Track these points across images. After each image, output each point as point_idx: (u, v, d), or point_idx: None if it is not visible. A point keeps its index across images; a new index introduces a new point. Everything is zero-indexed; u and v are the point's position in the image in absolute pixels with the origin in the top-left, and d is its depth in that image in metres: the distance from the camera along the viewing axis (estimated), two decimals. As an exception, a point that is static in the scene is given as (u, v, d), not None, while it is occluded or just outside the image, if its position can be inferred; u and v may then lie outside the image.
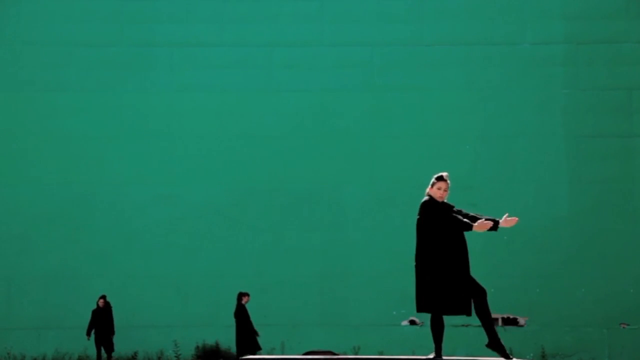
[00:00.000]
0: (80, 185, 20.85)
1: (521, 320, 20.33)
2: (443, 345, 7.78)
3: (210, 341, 20.11)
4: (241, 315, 17.34)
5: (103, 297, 18.92)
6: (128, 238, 20.62)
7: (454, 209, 7.76)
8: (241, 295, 17.59)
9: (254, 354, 16.89)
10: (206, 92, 21.21)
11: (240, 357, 13.34)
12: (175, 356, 19.60)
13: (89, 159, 20.99)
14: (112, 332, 18.79)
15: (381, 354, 19.00)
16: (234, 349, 19.89)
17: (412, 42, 21.22)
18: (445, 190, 7.78)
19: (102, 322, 18.66)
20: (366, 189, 20.82)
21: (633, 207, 20.62)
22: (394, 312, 20.31)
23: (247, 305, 17.53)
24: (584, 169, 20.73)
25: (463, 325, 18.76)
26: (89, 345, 19.04)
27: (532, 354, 19.73)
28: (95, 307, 18.91)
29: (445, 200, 7.85)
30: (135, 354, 19.78)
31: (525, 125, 20.91)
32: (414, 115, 20.99)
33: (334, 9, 21.41)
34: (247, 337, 17.20)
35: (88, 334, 18.70)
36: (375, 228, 20.58)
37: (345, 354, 19.33)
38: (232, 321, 17.34)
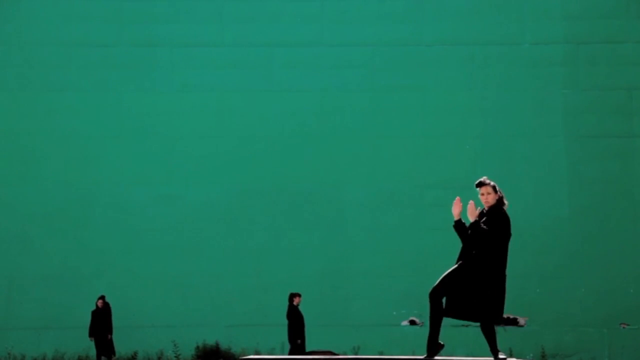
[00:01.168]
0: (81, 185, 20.85)
1: (521, 320, 20.32)
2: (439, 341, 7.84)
3: (210, 341, 20.10)
4: (293, 316, 16.99)
5: (102, 297, 18.89)
6: (128, 238, 20.61)
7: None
8: (292, 296, 17.18)
9: (304, 354, 16.61)
10: (206, 92, 21.21)
11: (241, 357, 13.28)
12: (175, 356, 19.59)
13: (89, 159, 20.98)
14: (110, 333, 18.70)
15: (381, 354, 18.99)
16: (234, 348, 19.90)
17: (412, 42, 21.21)
18: (486, 195, 7.76)
19: (100, 322, 18.62)
20: (366, 188, 20.82)
21: (633, 207, 20.62)
22: (394, 312, 20.31)
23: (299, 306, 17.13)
24: (584, 169, 20.73)
25: (463, 326, 18.76)
26: (89, 346, 19.03)
27: (532, 354, 19.73)
28: (94, 307, 18.87)
29: (506, 205, 7.80)
30: (135, 354, 19.77)
31: (525, 125, 20.91)
32: (414, 115, 20.99)
33: (334, 9, 21.41)
34: (299, 339, 16.79)
35: (90, 335, 18.66)
36: (376, 228, 20.57)
37: (345, 354, 19.32)
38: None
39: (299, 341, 16.81)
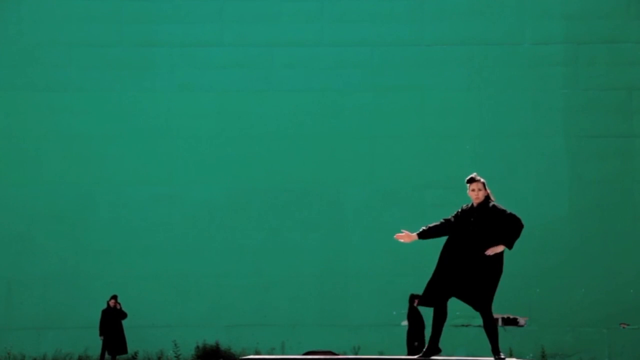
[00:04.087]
0: (81, 185, 20.85)
1: (521, 320, 20.32)
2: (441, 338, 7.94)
3: (210, 341, 20.11)
4: (413, 318, 16.86)
5: (114, 297, 18.79)
6: (128, 238, 20.61)
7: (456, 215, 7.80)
8: (413, 297, 16.83)
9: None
10: (206, 92, 21.21)
11: (241, 357, 13.27)
12: (175, 356, 19.60)
13: (89, 159, 20.99)
14: (120, 333, 18.57)
15: (381, 354, 18.99)
16: (234, 348, 19.91)
17: (412, 42, 21.21)
18: (477, 190, 7.85)
19: (110, 322, 18.53)
20: (366, 188, 20.82)
21: (633, 207, 20.62)
22: (394, 312, 20.31)
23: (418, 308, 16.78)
24: (584, 169, 20.73)
25: (463, 325, 18.76)
26: (89, 346, 19.02)
27: (532, 354, 19.73)
28: (105, 306, 18.76)
29: (490, 201, 7.85)
30: (135, 354, 19.78)
31: (525, 125, 20.91)
32: (414, 115, 20.98)
33: (334, 9, 21.41)
34: (417, 341, 16.58)
35: (101, 333, 18.55)
36: (375, 228, 20.54)
37: (345, 354, 19.33)
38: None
39: (417, 343, 16.55)
